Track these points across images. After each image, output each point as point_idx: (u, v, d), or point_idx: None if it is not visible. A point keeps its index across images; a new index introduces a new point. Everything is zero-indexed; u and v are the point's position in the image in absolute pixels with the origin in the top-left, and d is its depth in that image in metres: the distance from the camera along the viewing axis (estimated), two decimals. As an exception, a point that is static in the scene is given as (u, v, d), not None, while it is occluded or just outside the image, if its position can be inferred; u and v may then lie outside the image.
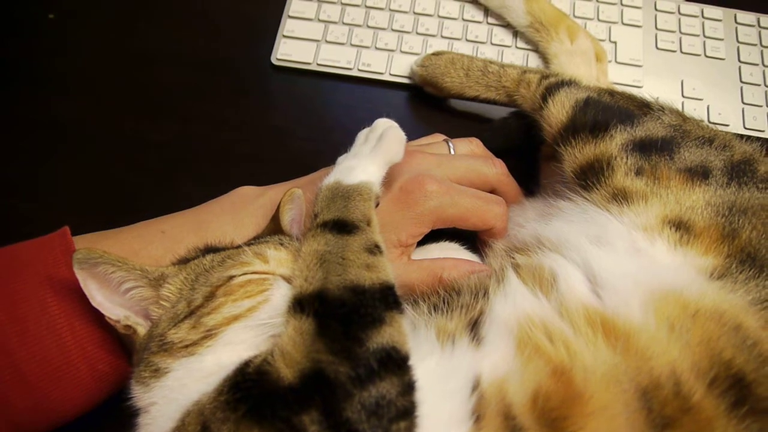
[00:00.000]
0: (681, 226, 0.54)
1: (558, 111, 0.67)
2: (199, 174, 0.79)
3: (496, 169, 0.66)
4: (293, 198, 0.60)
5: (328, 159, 0.69)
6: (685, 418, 0.42)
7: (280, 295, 0.49)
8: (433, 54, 0.83)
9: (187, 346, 0.47)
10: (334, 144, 0.81)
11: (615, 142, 0.62)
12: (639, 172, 0.59)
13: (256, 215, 0.63)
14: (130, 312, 0.51)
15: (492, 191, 0.66)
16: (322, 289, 0.42)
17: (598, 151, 0.62)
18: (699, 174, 0.58)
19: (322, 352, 0.39)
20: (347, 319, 0.39)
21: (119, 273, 0.50)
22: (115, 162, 0.80)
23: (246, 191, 0.66)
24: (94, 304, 0.50)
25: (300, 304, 0.42)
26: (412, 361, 0.43)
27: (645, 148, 0.61)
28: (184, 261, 0.55)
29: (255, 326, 0.48)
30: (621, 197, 0.58)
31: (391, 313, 0.41)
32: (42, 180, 0.79)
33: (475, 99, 0.80)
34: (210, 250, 0.56)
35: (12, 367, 0.52)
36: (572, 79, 0.71)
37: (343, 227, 0.46)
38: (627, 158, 0.60)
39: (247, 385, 0.41)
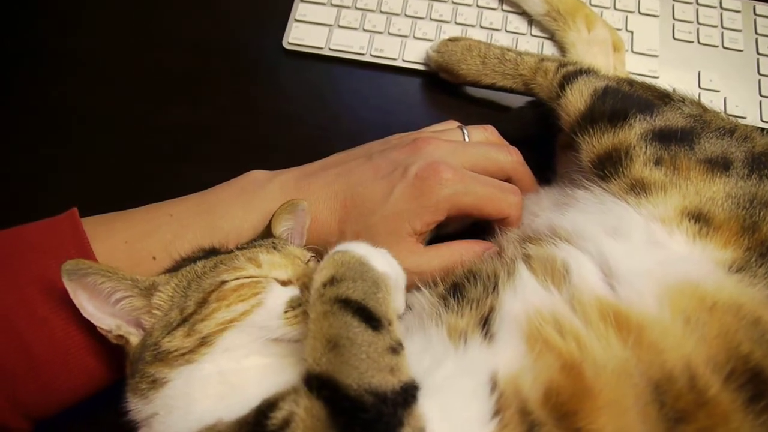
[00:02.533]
0: (700, 218, 0.54)
1: (576, 99, 0.65)
2: (208, 159, 0.79)
3: (511, 157, 0.65)
4: (294, 209, 0.59)
5: (339, 145, 0.69)
6: (700, 412, 0.41)
7: (274, 297, 0.49)
8: (450, 40, 0.82)
9: (183, 354, 0.47)
10: (345, 130, 0.81)
11: (634, 131, 0.61)
12: (658, 162, 0.58)
13: (266, 200, 0.62)
14: (122, 321, 0.50)
15: (507, 180, 0.65)
16: (340, 381, 0.39)
17: (616, 140, 0.61)
18: (719, 165, 0.57)
19: None
20: (369, 426, 0.38)
21: (109, 284, 0.49)
22: (124, 147, 0.80)
23: (256, 176, 0.65)
24: (85, 314, 0.49)
25: (309, 382, 0.40)
26: (429, 367, 0.43)
27: (665, 137, 0.60)
28: (180, 263, 0.55)
29: (251, 330, 0.47)
30: (639, 188, 0.57)
31: (410, 410, 0.39)
32: (50, 164, 0.78)
33: (490, 86, 0.79)
34: (210, 252, 0.56)
35: (21, 348, 0.52)
36: (590, 68, 0.70)
37: (369, 317, 0.42)
38: (646, 148, 0.59)
39: None
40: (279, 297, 0.49)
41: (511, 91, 0.78)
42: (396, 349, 0.42)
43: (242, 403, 0.43)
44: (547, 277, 0.52)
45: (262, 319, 0.47)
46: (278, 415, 0.41)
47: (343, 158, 0.67)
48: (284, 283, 0.51)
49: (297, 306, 0.48)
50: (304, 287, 0.49)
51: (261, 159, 0.69)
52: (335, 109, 0.84)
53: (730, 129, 0.62)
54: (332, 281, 0.44)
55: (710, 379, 0.42)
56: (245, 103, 0.83)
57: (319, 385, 0.40)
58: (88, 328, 0.53)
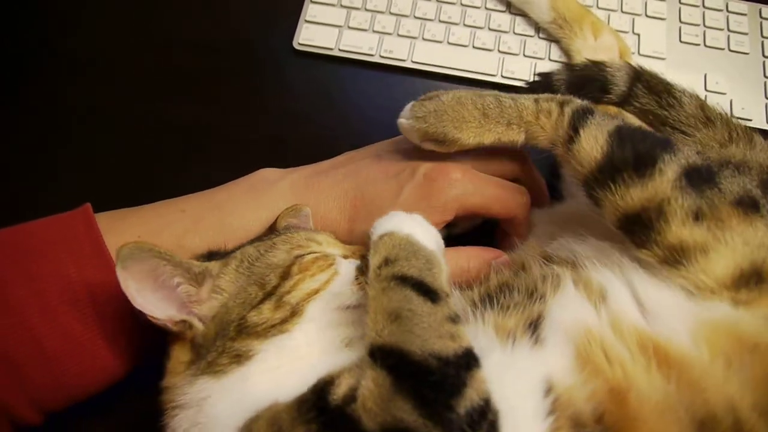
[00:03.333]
0: (753, 276, 0.49)
1: (590, 147, 0.55)
2: (217, 158, 0.79)
3: (519, 158, 0.66)
4: (298, 214, 0.61)
5: (347, 145, 0.70)
6: None
7: (344, 267, 0.52)
8: (425, 100, 0.62)
9: (274, 325, 0.48)
10: (353, 130, 0.82)
11: (666, 177, 0.52)
12: (698, 217, 0.50)
13: (275, 198, 0.63)
14: (175, 308, 0.50)
15: (515, 181, 0.66)
16: (404, 348, 0.40)
17: (646, 193, 0.52)
18: (748, 205, 0.51)
19: (406, 412, 0.38)
20: (437, 387, 0.39)
21: (168, 267, 0.49)
22: (125, 146, 0.80)
23: (266, 174, 0.66)
24: (136, 304, 0.48)
25: (372, 354, 0.41)
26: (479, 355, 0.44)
27: (693, 179, 0.52)
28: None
29: (329, 299, 0.50)
30: (678, 255, 0.50)
31: (471, 372, 0.41)
32: (50, 164, 0.78)
33: (489, 146, 0.61)
34: (214, 254, 0.56)
35: (32, 341, 0.52)
36: (591, 106, 0.60)
37: (427, 291, 0.43)
38: (682, 199, 0.51)
39: (332, 416, 0.41)
40: (348, 266, 0.53)
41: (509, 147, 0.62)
42: (454, 318, 0.43)
43: (299, 383, 0.44)
44: (591, 296, 0.51)
45: (340, 287, 0.51)
46: (338, 391, 0.42)
47: (353, 157, 0.67)
48: (344, 257, 0.54)
49: (364, 273, 0.50)
50: (363, 258, 0.52)
51: (268, 158, 0.69)
52: (344, 109, 0.84)
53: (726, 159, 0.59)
54: (386, 262, 0.46)
55: (757, 424, 0.42)
56: (255, 102, 0.83)
57: (383, 355, 0.41)
58: (102, 321, 0.54)
